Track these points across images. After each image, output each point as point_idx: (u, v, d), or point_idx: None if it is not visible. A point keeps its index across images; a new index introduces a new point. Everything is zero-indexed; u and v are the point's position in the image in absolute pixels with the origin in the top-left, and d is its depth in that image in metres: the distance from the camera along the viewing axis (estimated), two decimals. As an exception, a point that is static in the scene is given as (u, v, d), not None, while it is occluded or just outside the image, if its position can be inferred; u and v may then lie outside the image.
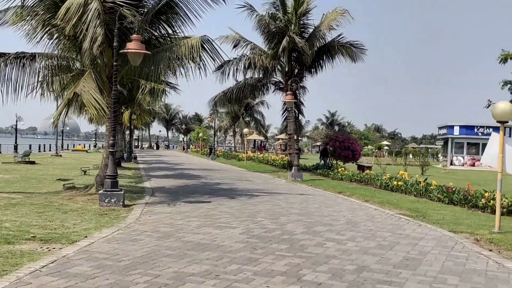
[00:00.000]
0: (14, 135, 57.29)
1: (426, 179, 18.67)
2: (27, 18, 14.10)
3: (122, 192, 12.15)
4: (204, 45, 14.19)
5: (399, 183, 18.51)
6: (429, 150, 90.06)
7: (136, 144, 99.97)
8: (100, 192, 12.13)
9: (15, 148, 50.81)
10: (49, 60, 14.28)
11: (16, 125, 55.71)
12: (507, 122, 10.37)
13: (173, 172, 27.51)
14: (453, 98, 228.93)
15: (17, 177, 20.10)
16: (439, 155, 68.23)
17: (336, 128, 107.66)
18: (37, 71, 14.13)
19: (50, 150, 59.31)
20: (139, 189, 16.62)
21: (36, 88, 15.44)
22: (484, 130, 48.79)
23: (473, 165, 49.09)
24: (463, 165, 49.28)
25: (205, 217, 10.68)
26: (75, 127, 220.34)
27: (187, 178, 22.60)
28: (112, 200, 11.90)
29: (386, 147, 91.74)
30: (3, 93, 13.74)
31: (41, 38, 14.35)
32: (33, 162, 30.64)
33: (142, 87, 21.65)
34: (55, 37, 14.61)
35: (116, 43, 12.27)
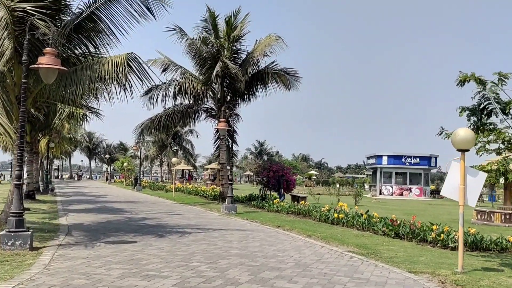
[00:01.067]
0: None
1: (367, 211, 17.80)
2: None
3: (29, 232, 10.17)
4: (131, 64, 12.61)
5: (340, 215, 17.49)
6: (356, 179, 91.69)
7: (56, 174, 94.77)
8: (1, 233, 10.08)
9: None
10: None
11: None
12: (468, 150, 9.53)
13: (94, 205, 25.17)
14: (377, 129, 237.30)
15: None
16: (365, 184, 69.14)
17: (265, 157, 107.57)
18: None
19: (-43, 182, 54.11)
20: (53, 227, 14.49)
21: None
22: (411, 160, 49.75)
23: (401, 194, 49.74)
24: (391, 195, 49.76)
25: (130, 262, 8.94)
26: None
27: (109, 213, 20.48)
28: (17, 243, 9.90)
29: (314, 177, 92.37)
30: None
31: None
32: None
33: (60, 111, 19.50)
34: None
35: (25, 57, 10.42)
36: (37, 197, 28.91)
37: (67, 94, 13.87)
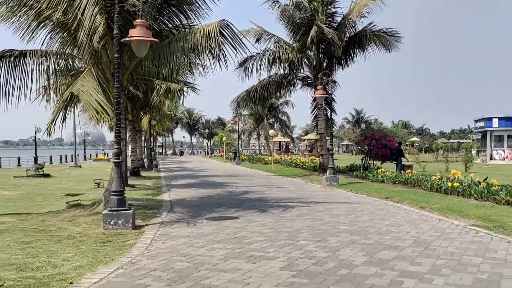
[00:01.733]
0: (49, 146, 55.90)
1: (486, 178, 16.10)
2: (17, 12, 12.02)
3: (131, 211, 9.95)
4: (224, 31, 11.93)
5: (455, 184, 15.95)
6: (461, 145, 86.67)
7: (160, 151, 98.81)
8: (104, 212, 9.96)
9: (35, 160, 49.55)
10: (43, 58, 12.15)
11: (35, 136, 54.47)
12: None
13: (196, 180, 25.35)
14: (484, 91, 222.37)
15: (23, 194, 18.19)
16: (472, 150, 64.70)
17: (363, 126, 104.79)
18: (30, 72, 12.01)
19: (72, 161, 57.34)
20: (156, 204, 14.44)
21: (42, 93, 13.56)
22: (525, 121, 45.60)
23: (515, 158, 45.87)
24: (504, 159, 46.00)
25: (233, 241, 8.39)
26: (100, 136, 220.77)
27: (211, 187, 20.38)
28: (119, 222, 9.73)
29: (416, 144, 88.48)
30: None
31: (33, 32, 12.26)
32: (47, 175, 28.91)
33: (157, 87, 19.51)
34: (48, 30, 12.52)
35: (116, 31, 10.08)
36: (142, 173, 29.81)
37: (162, 69, 13.57)
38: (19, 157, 52.02)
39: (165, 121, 52.76)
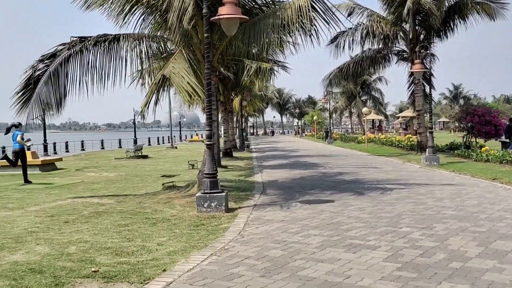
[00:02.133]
0: (148, 129, 58.04)
1: None
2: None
3: (224, 194, 9.80)
4: (315, 5, 11.36)
5: None
6: None
7: (251, 131, 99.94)
8: (197, 195, 9.88)
9: (135, 142, 51.75)
10: (136, 41, 12.24)
11: (134, 119, 56.81)
12: None
13: (287, 160, 25.06)
14: None
15: (122, 175, 18.81)
16: None
17: (461, 101, 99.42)
18: (123, 57, 12.15)
19: (168, 142, 59.20)
20: (249, 185, 14.30)
21: (137, 76, 13.81)
22: None
23: None
24: None
25: (329, 227, 7.93)
26: (195, 118, 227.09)
27: (302, 168, 19.97)
28: (212, 205, 9.60)
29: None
30: (88, 83, 11.97)
31: (125, 17, 12.37)
32: (145, 156, 29.96)
33: (248, 67, 19.33)
34: (141, 12, 12.59)
35: (205, 9, 9.83)
36: (234, 154, 30.06)
37: (252, 48, 13.26)
38: (120, 139, 54.60)
39: (255, 102, 52.92)
